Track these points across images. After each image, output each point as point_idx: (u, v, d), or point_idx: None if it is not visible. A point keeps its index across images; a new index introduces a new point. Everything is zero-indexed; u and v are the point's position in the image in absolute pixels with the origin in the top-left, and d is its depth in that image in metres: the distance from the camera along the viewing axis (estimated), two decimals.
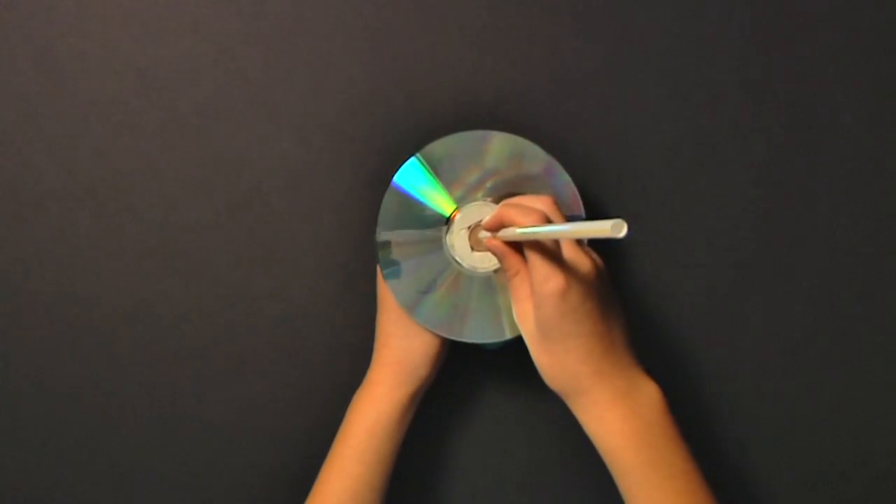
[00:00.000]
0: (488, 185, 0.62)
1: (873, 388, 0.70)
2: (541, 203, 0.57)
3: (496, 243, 0.56)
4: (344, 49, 0.68)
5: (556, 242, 0.54)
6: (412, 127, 0.69)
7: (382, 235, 0.62)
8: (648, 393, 0.55)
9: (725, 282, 0.69)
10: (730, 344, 0.69)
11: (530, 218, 0.54)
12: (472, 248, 0.62)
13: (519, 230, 0.53)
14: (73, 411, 0.70)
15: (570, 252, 0.55)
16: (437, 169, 0.62)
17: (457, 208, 0.62)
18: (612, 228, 0.40)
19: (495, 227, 0.57)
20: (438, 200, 0.63)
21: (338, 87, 0.69)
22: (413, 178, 0.62)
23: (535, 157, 0.62)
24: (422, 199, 0.62)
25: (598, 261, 0.57)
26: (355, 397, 0.64)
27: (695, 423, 0.69)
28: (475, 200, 0.62)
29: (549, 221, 0.55)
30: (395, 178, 0.62)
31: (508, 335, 0.61)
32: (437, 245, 0.62)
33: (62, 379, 0.69)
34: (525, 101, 0.68)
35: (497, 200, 0.62)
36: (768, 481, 0.70)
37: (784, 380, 0.70)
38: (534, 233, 0.51)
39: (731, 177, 0.68)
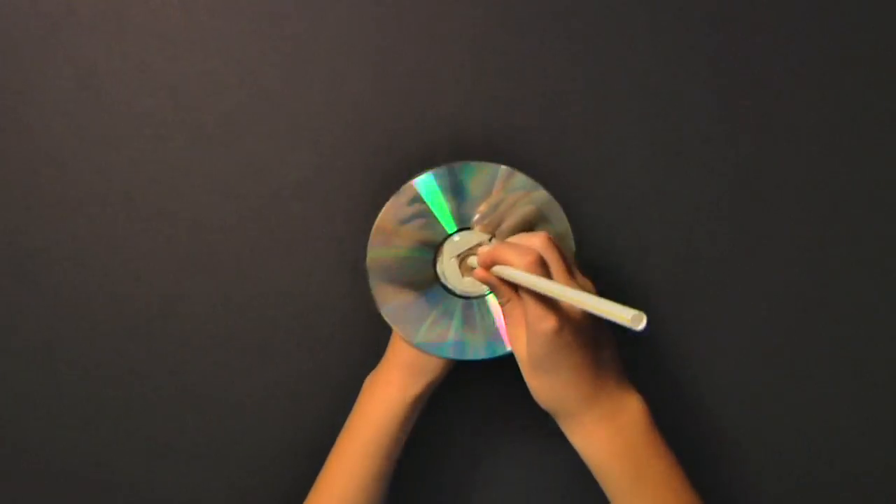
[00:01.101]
0: (478, 214, 0.61)
1: (846, 389, 0.74)
2: (536, 240, 0.55)
3: (485, 275, 0.56)
4: (354, 69, 0.72)
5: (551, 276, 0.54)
6: (415, 138, 0.72)
7: (373, 253, 0.60)
8: (632, 410, 0.56)
9: (702, 282, 0.73)
10: (708, 342, 0.74)
11: (525, 259, 0.52)
12: (463, 275, 0.61)
13: (529, 277, 0.51)
14: (111, 394, 0.73)
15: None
16: (430, 197, 0.60)
17: (448, 235, 0.61)
18: (632, 320, 0.38)
19: (488, 265, 0.56)
20: (430, 227, 0.61)
21: (348, 103, 0.72)
22: (406, 205, 0.61)
23: (529, 191, 0.61)
24: (414, 225, 0.61)
25: (592, 291, 0.56)
26: (364, 393, 0.65)
27: (678, 421, 0.74)
28: (466, 229, 0.61)
29: (543, 262, 0.53)
30: (388, 204, 0.61)
31: (508, 349, 0.61)
32: (428, 272, 0.61)
33: (101, 366, 0.73)
34: (515, 117, 0.72)
35: (488, 229, 0.61)
36: (749, 479, 0.75)
37: (760, 381, 0.74)
38: (547, 288, 0.49)
39: (705, 185, 0.73)
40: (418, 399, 0.63)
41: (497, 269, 0.55)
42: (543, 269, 0.53)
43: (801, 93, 0.73)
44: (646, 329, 0.40)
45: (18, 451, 0.73)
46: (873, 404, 0.75)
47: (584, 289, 0.55)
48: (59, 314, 0.73)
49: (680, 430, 0.75)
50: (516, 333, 0.56)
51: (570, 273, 0.55)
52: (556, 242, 0.56)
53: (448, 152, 0.72)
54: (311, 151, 0.72)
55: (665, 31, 0.72)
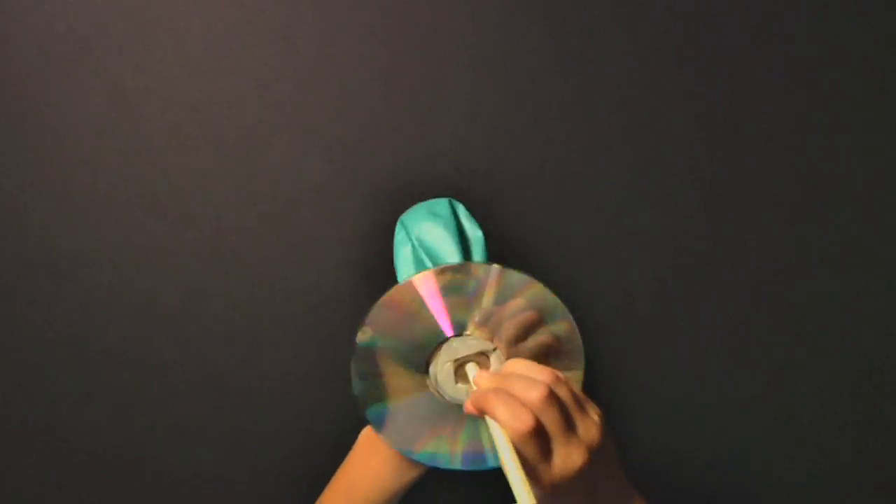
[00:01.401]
0: (478, 318, 0.54)
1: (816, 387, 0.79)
2: (536, 393, 0.49)
3: (476, 413, 0.50)
4: (362, 86, 0.75)
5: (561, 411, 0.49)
6: (417, 148, 0.75)
7: (364, 341, 0.53)
8: None
9: (672, 281, 0.78)
10: (688, 343, 0.78)
11: (517, 423, 0.47)
12: (457, 382, 0.55)
13: (503, 450, 0.47)
14: (138, 381, 0.77)
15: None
16: (427, 295, 0.54)
17: (445, 339, 0.55)
18: None
19: (479, 410, 0.50)
20: (426, 326, 0.54)
21: (357, 116, 0.75)
22: (404, 301, 0.54)
23: (525, 287, 0.54)
24: (411, 322, 0.54)
25: (600, 424, 0.50)
26: (360, 451, 0.62)
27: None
28: (464, 333, 0.54)
29: (554, 395, 0.48)
30: (385, 299, 0.54)
31: (494, 464, 0.56)
32: (421, 380, 0.55)
33: (131, 354, 0.77)
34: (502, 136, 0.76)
35: (487, 335, 0.55)
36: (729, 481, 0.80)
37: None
38: (508, 473, 0.46)
39: (677, 200, 0.78)
40: (412, 481, 0.61)
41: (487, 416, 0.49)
42: (540, 440, 0.48)
43: (771, 106, 0.77)
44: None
45: (55, 432, 0.78)
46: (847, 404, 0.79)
47: (594, 426, 0.50)
48: (91, 308, 0.77)
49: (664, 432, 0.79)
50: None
51: (569, 432, 0.49)
52: (564, 383, 0.50)
53: (447, 163, 0.75)
54: (321, 161, 0.76)
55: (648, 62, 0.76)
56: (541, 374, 0.50)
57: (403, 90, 0.75)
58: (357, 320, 0.77)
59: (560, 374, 0.51)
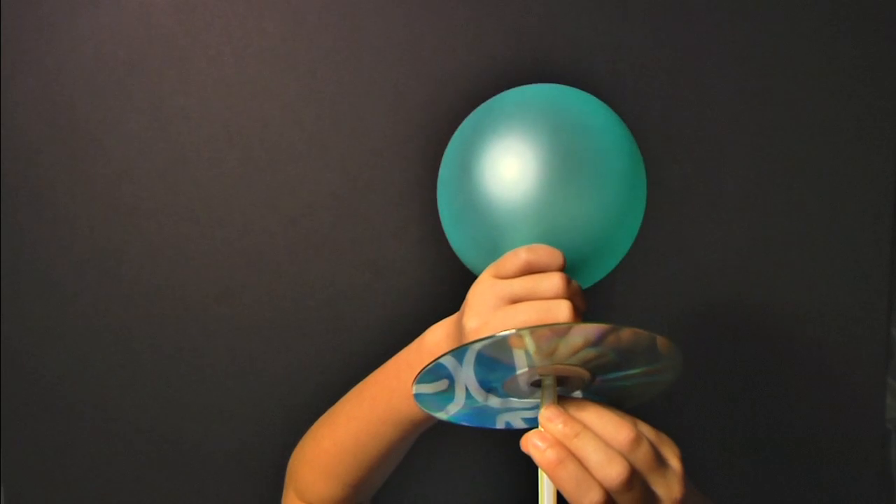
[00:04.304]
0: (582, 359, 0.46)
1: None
2: (625, 435, 0.43)
3: (534, 460, 0.44)
4: (374, 107, 0.83)
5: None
6: (423, 161, 0.83)
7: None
8: None
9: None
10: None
11: (612, 470, 0.42)
12: (527, 389, 0.48)
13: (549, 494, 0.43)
14: (175, 367, 0.86)
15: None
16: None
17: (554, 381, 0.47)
18: None
19: (550, 450, 0.44)
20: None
21: (369, 133, 0.83)
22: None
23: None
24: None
25: (681, 475, 0.45)
26: (385, 376, 0.60)
27: None
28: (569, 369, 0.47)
29: (635, 474, 0.43)
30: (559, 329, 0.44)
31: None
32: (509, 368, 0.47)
33: (168, 345, 0.85)
34: None
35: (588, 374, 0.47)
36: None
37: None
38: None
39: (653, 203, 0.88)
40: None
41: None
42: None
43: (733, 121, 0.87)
44: None
45: (103, 411, 0.87)
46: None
47: (672, 487, 0.44)
48: (135, 303, 0.86)
49: None
50: None
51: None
52: (644, 439, 0.44)
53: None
54: (339, 172, 0.84)
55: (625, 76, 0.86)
56: (619, 435, 0.43)
57: (410, 109, 0.84)
58: (369, 313, 0.86)
59: (639, 430, 0.44)
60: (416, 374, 0.56)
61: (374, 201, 0.85)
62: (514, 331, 0.43)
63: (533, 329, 0.43)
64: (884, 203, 0.87)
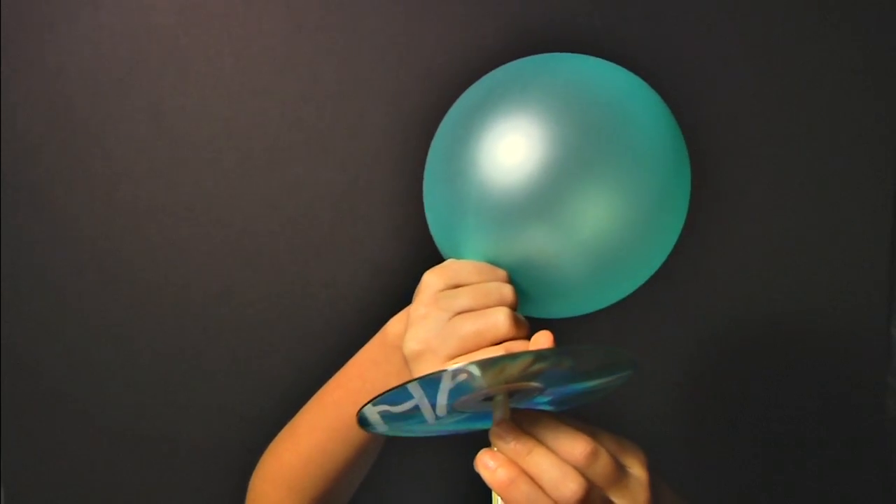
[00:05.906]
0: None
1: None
2: (580, 449, 0.42)
3: (486, 481, 0.43)
4: (375, 108, 0.84)
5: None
6: (420, 160, 0.84)
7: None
8: None
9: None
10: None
11: (566, 488, 0.41)
12: (481, 399, 0.46)
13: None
14: (175, 365, 0.86)
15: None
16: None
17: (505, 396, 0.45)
18: None
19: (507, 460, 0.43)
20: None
21: (369, 133, 0.84)
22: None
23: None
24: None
25: (646, 482, 0.43)
26: (367, 355, 0.58)
27: None
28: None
29: (591, 490, 0.42)
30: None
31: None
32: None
33: (166, 345, 0.86)
34: None
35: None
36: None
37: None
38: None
39: None
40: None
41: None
42: None
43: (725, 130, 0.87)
44: None
45: (101, 409, 0.87)
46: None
47: (637, 494, 0.43)
48: (135, 302, 0.86)
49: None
50: None
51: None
52: (603, 453, 0.43)
53: None
54: (338, 173, 0.85)
55: None
56: (575, 449, 0.42)
57: (410, 110, 0.85)
58: (368, 312, 0.86)
59: (597, 442, 0.42)
60: (378, 391, 0.56)
61: (374, 201, 0.85)
62: (459, 365, 0.41)
63: (479, 363, 0.40)
64: (884, 203, 0.87)
